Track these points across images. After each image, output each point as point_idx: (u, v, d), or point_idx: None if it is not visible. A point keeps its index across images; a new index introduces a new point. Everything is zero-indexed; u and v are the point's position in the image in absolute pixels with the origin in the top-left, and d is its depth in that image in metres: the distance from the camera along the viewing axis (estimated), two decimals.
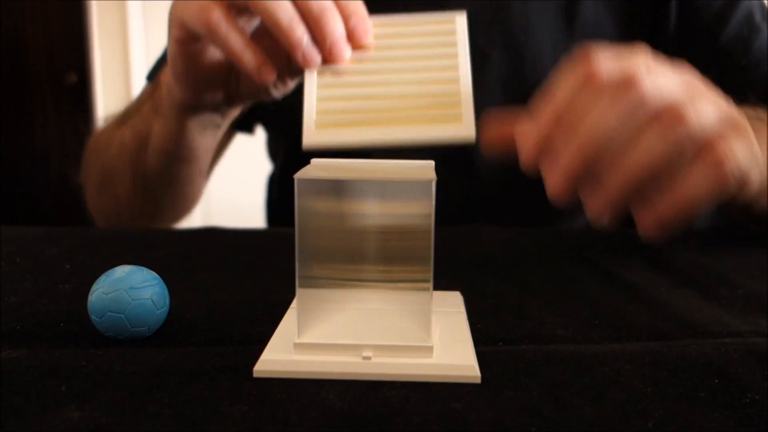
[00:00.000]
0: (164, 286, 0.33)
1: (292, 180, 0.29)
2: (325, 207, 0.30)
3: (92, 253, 0.50)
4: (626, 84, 0.33)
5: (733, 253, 0.51)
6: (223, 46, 0.44)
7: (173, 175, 0.64)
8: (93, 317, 0.31)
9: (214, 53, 0.50)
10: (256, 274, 0.44)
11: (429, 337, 0.30)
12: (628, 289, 0.42)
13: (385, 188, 0.30)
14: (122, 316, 0.31)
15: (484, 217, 0.62)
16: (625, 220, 0.41)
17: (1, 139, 2.44)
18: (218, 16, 0.43)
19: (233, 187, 1.93)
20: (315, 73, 0.43)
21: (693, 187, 0.33)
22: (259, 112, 0.77)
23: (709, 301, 0.40)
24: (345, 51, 0.42)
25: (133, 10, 2.30)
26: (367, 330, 0.30)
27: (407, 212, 0.30)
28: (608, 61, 0.35)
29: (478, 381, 0.28)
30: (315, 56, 0.42)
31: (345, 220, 0.31)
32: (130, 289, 0.31)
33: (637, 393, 0.27)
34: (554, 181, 0.34)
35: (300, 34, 0.42)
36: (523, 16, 0.68)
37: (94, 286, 0.32)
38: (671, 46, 0.67)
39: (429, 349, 0.29)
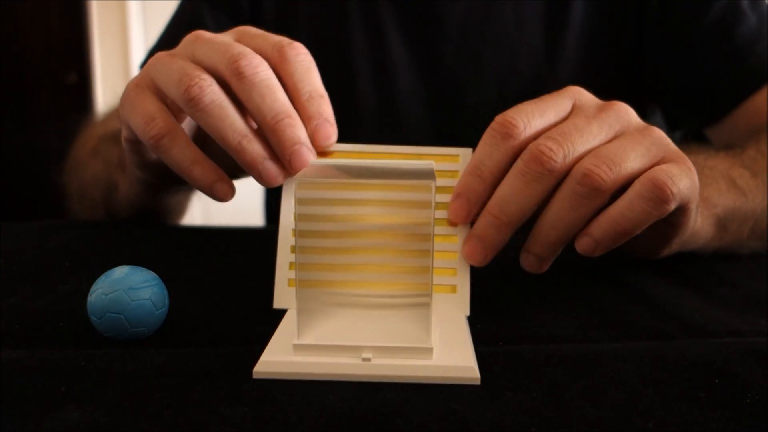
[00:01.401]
0: (164, 287, 0.33)
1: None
2: (324, 207, 0.30)
3: (91, 252, 0.50)
4: (536, 162, 0.34)
5: (733, 253, 0.51)
6: (168, 161, 0.39)
7: (149, 214, 0.61)
8: (92, 318, 0.31)
9: None
10: (256, 274, 0.44)
11: (429, 339, 0.29)
12: (628, 289, 0.42)
13: (385, 188, 0.30)
14: (121, 316, 0.31)
15: None
16: None
17: (1, 139, 2.44)
18: (161, 130, 0.38)
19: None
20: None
21: (628, 211, 0.34)
22: None
23: (709, 301, 0.40)
24: (307, 158, 0.36)
25: (133, 10, 2.31)
26: (367, 331, 0.30)
27: (407, 212, 0.30)
28: (530, 121, 0.36)
29: (478, 383, 0.28)
30: (273, 173, 0.36)
31: (344, 220, 0.30)
32: (130, 289, 0.31)
33: (637, 393, 0.27)
34: (471, 251, 0.36)
35: (252, 152, 0.36)
36: (516, 13, 0.68)
37: (94, 287, 0.32)
38: (654, 34, 0.67)
39: (429, 351, 0.29)
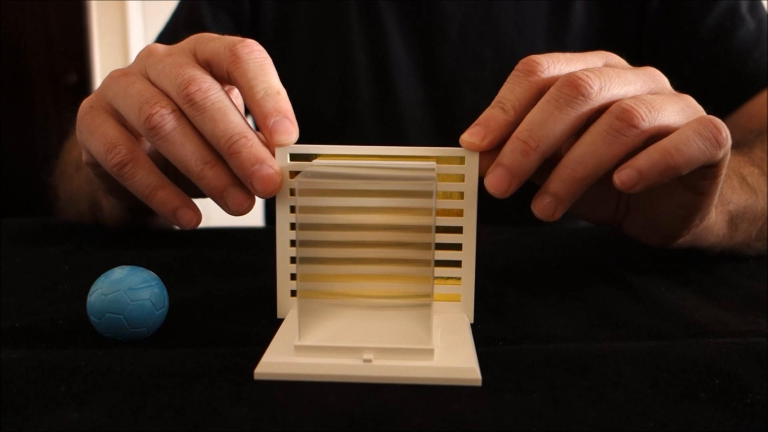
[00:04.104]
0: (163, 287, 0.33)
1: None
2: (325, 207, 0.30)
3: (91, 252, 0.50)
4: (571, 86, 0.33)
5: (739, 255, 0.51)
6: (131, 188, 0.37)
7: (138, 227, 0.59)
8: (92, 318, 0.31)
9: None
10: (256, 274, 0.44)
11: (430, 340, 0.29)
12: (628, 289, 0.42)
13: (386, 189, 0.30)
14: (121, 317, 0.31)
15: (484, 217, 0.62)
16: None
17: (1, 139, 2.44)
18: (123, 158, 0.36)
19: None
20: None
21: (683, 145, 0.33)
22: None
23: (709, 301, 0.40)
24: (270, 176, 0.33)
25: (133, 10, 2.30)
26: (368, 332, 0.30)
27: (408, 213, 0.30)
28: (555, 64, 0.36)
29: (479, 384, 0.28)
30: (239, 200, 0.35)
31: (345, 220, 0.30)
32: (129, 290, 0.31)
33: (637, 393, 0.27)
34: (496, 180, 0.34)
35: (213, 179, 0.35)
36: (516, 14, 0.68)
37: (93, 287, 0.32)
38: (654, 37, 0.67)
39: (430, 352, 0.29)
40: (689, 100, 0.36)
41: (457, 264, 0.35)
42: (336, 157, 0.35)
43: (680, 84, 0.67)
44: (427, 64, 0.69)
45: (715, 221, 0.43)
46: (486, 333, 0.34)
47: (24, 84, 2.42)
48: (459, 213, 0.35)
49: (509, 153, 0.34)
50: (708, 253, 0.47)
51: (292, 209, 0.35)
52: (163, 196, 0.37)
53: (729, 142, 0.34)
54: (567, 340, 0.33)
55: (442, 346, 0.31)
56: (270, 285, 0.37)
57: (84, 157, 0.41)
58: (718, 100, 0.65)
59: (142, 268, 0.33)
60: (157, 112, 0.35)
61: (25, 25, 2.38)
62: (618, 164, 0.33)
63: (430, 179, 0.29)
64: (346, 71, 0.69)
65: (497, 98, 0.35)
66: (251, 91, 0.35)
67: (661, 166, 0.33)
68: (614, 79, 0.34)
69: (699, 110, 0.36)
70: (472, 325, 0.35)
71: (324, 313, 0.31)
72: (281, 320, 0.35)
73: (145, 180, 0.37)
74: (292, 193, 0.34)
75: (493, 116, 0.35)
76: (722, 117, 0.66)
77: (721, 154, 0.34)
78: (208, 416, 0.25)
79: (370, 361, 0.29)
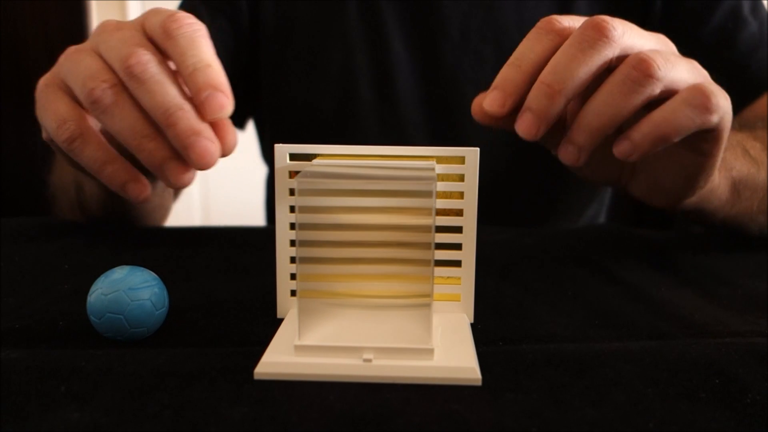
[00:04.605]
0: (163, 287, 0.33)
1: None
2: (325, 207, 0.30)
3: (91, 252, 0.50)
4: (594, 29, 0.35)
5: (733, 253, 0.51)
6: (81, 163, 0.38)
7: (123, 215, 0.59)
8: (92, 318, 0.31)
9: None
10: (256, 274, 0.44)
11: (430, 340, 0.29)
12: (628, 289, 0.42)
13: (386, 188, 0.30)
14: (121, 317, 0.31)
15: (484, 218, 0.62)
16: (629, 220, 0.41)
17: (1, 139, 2.44)
18: (72, 133, 0.37)
19: (233, 187, 1.93)
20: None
21: (671, 115, 0.35)
22: (251, 107, 0.77)
23: (709, 301, 0.40)
24: (206, 148, 0.34)
25: (133, 10, 2.30)
26: (368, 332, 0.30)
27: (408, 212, 0.30)
28: (572, 21, 0.37)
29: (479, 384, 0.28)
30: (177, 172, 0.35)
31: (345, 220, 0.30)
32: (129, 290, 0.31)
33: (637, 393, 0.27)
34: (525, 125, 0.35)
35: (152, 151, 0.35)
36: (517, 14, 0.68)
37: (93, 287, 0.32)
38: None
39: (430, 352, 0.29)
40: (696, 64, 0.38)
41: (457, 264, 0.35)
42: (336, 156, 0.34)
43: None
44: (428, 64, 0.69)
45: (718, 184, 0.45)
46: (486, 333, 0.34)
47: (24, 84, 2.42)
48: (459, 213, 0.35)
49: (535, 97, 0.35)
50: (712, 222, 0.48)
51: (292, 209, 0.35)
52: (111, 171, 0.38)
53: (721, 107, 0.35)
54: (567, 340, 0.33)
55: (442, 346, 0.31)
56: (270, 285, 0.37)
57: (43, 134, 0.42)
58: None
59: (142, 268, 0.33)
60: (98, 86, 0.36)
61: (25, 25, 2.38)
62: (637, 115, 0.35)
63: (430, 179, 0.29)
64: (346, 71, 0.69)
65: (514, 55, 0.36)
66: (181, 66, 0.35)
67: (651, 137, 0.35)
68: (633, 29, 0.36)
69: (705, 75, 0.38)
70: (472, 325, 0.35)
71: (324, 313, 0.31)
72: (281, 320, 0.35)
73: (93, 155, 0.38)
74: (292, 193, 0.34)
75: (509, 77, 0.36)
76: None
77: (714, 118, 0.35)
78: (208, 416, 0.25)
79: (370, 360, 0.29)
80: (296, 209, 0.30)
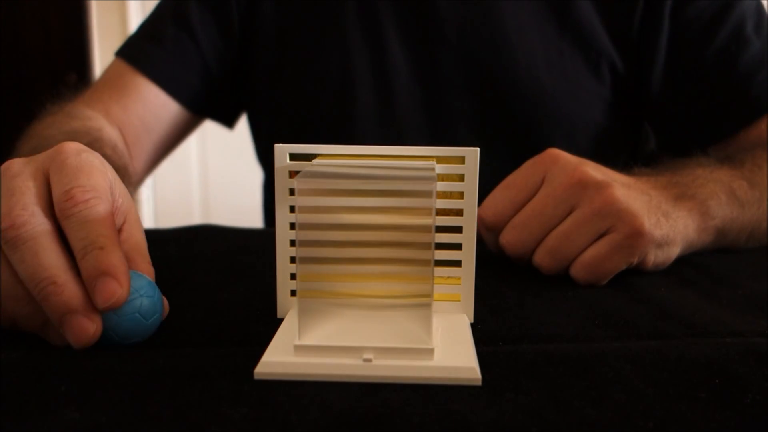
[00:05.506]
0: (155, 292, 0.32)
1: None
2: (325, 207, 0.30)
3: None
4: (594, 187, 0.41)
5: (733, 253, 0.51)
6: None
7: None
8: None
9: None
10: (256, 274, 0.44)
11: (430, 340, 0.29)
12: (628, 289, 0.42)
13: (385, 188, 0.30)
14: (111, 332, 0.31)
15: None
16: None
17: (1, 139, 2.44)
18: None
19: (232, 188, 1.93)
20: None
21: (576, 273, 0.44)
22: (242, 106, 0.77)
23: (709, 301, 0.40)
24: (80, 324, 0.30)
25: (133, 10, 2.31)
26: (368, 332, 0.30)
27: (408, 212, 0.30)
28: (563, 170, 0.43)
29: (479, 384, 0.28)
30: (57, 342, 0.32)
31: (345, 220, 0.30)
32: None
33: (637, 393, 0.27)
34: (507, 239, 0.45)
35: (26, 320, 0.32)
36: (515, 17, 0.68)
37: None
38: (660, 55, 0.67)
39: (430, 352, 0.29)
40: (606, 203, 0.43)
41: (456, 264, 0.35)
42: (335, 157, 0.34)
43: (684, 105, 0.68)
44: (425, 66, 0.69)
45: (697, 238, 0.48)
46: (486, 333, 0.34)
47: (24, 84, 2.42)
48: (459, 213, 0.35)
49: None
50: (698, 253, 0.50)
51: (292, 209, 0.35)
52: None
53: (612, 271, 0.43)
54: (567, 340, 0.33)
55: (442, 346, 0.31)
56: (270, 285, 0.37)
57: None
58: (720, 123, 0.66)
59: (133, 274, 0.32)
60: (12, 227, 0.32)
61: (25, 25, 2.38)
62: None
63: (430, 179, 0.29)
64: (344, 74, 0.69)
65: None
66: (74, 249, 0.32)
67: (585, 279, 0.43)
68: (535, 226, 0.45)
69: (614, 213, 0.43)
70: (472, 325, 0.35)
71: (324, 312, 0.31)
72: (281, 320, 0.35)
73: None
74: (292, 193, 0.34)
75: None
76: (723, 140, 0.67)
77: (605, 281, 0.43)
78: (208, 416, 0.25)
79: (370, 360, 0.29)
80: (296, 209, 0.30)
